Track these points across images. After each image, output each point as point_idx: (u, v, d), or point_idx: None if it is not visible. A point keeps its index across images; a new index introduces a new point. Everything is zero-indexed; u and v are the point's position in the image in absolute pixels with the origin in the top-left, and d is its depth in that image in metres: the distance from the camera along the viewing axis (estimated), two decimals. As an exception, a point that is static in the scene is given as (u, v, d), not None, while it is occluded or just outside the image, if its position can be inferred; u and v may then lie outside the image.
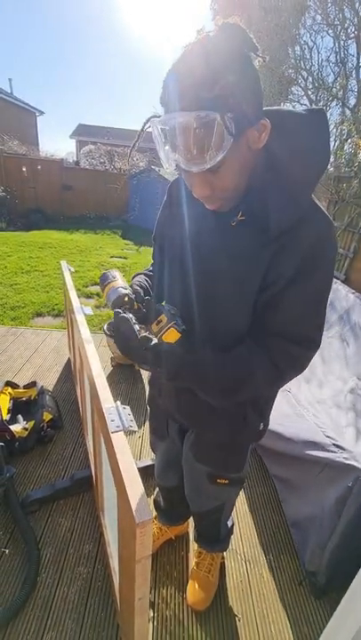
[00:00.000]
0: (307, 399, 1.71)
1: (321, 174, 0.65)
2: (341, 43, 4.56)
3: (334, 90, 4.62)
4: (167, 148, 0.58)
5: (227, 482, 0.97)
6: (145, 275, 0.95)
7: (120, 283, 0.85)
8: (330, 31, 4.63)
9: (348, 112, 4.47)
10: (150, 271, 0.98)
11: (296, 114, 0.63)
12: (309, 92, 5.01)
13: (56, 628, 1.09)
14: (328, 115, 0.64)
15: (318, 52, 4.93)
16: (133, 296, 0.79)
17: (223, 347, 0.73)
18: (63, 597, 1.18)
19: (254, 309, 0.70)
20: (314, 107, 0.67)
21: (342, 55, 4.62)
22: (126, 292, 0.80)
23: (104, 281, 0.87)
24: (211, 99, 0.51)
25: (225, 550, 1.27)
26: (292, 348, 0.67)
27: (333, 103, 4.75)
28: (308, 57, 4.98)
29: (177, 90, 0.53)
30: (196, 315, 0.77)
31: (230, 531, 1.23)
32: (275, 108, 0.64)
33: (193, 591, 1.20)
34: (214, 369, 0.70)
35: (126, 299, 0.78)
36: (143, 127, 0.61)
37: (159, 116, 0.58)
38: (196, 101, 0.51)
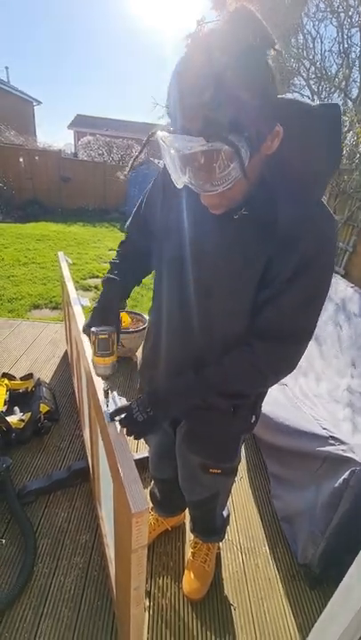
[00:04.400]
0: (303, 392, 1.70)
1: (333, 172, 0.62)
2: (345, 32, 4.47)
3: (337, 81, 4.55)
4: (174, 156, 0.54)
5: (219, 472, 0.97)
6: (116, 278, 0.87)
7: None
8: (333, 20, 4.54)
9: (350, 103, 4.42)
10: (116, 259, 0.91)
11: (309, 108, 0.59)
12: (311, 83, 4.93)
13: (52, 616, 1.10)
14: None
15: (321, 42, 4.84)
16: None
17: (222, 346, 0.74)
18: (59, 587, 1.18)
19: (252, 308, 0.69)
20: (328, 102, 0.63)
21: (346, 45, 4.53)
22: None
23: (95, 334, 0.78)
24: (222, 124, 0.47)
25: (221, 540, 1.27)
26: (278, 347, 0.69)
27: (336, 94, 4.68)
28: (311, 46, 4.88)
29: (184, 107, 0.49)
30: (194, 313, 0.76)
31: (226, 521, 1.23)
32: (287, 98, 0.60)
33: (189, 581, 1.21)
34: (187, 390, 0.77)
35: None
36: (147, 139, 0.59)
37: (166, 130, 0.54)
38: (206, 125, 0.47)
